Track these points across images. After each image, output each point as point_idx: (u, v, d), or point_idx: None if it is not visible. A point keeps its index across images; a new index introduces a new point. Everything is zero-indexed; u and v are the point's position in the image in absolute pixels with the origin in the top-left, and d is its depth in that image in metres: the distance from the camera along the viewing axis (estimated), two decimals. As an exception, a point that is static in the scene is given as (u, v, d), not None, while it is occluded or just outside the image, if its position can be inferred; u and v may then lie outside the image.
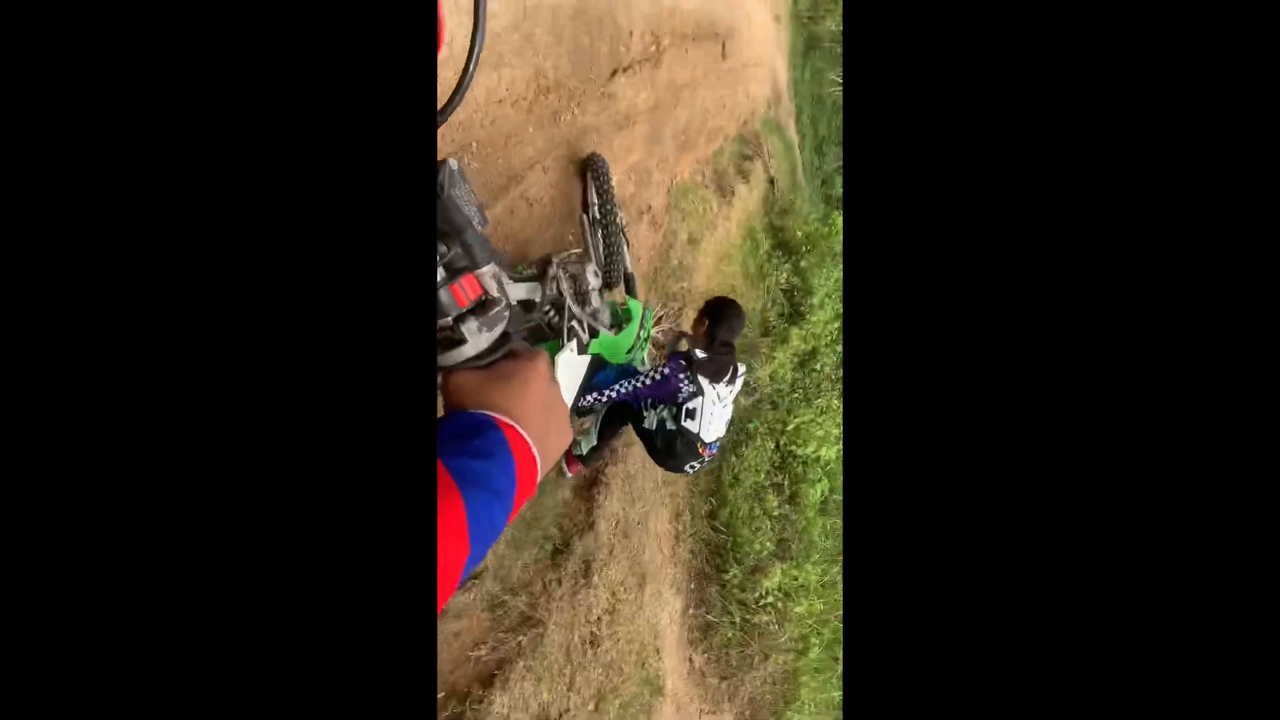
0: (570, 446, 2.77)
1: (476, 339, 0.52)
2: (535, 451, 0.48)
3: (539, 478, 0.50)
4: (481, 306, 0.53)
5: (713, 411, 2.28)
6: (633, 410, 2.45)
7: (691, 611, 3.64)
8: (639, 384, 2.22)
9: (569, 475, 2.80)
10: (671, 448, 2.34)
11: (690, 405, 2.27)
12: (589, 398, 2.27)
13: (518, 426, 0.48)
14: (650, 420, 2.38)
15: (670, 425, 2.33)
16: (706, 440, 2.32)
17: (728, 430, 2.47)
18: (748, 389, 4.45)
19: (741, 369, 2.37)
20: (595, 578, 2.78)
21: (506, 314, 0.54)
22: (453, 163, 0.55)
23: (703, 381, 2.23)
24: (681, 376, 2.21)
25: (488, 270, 0.54)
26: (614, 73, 3.10)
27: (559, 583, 2.64)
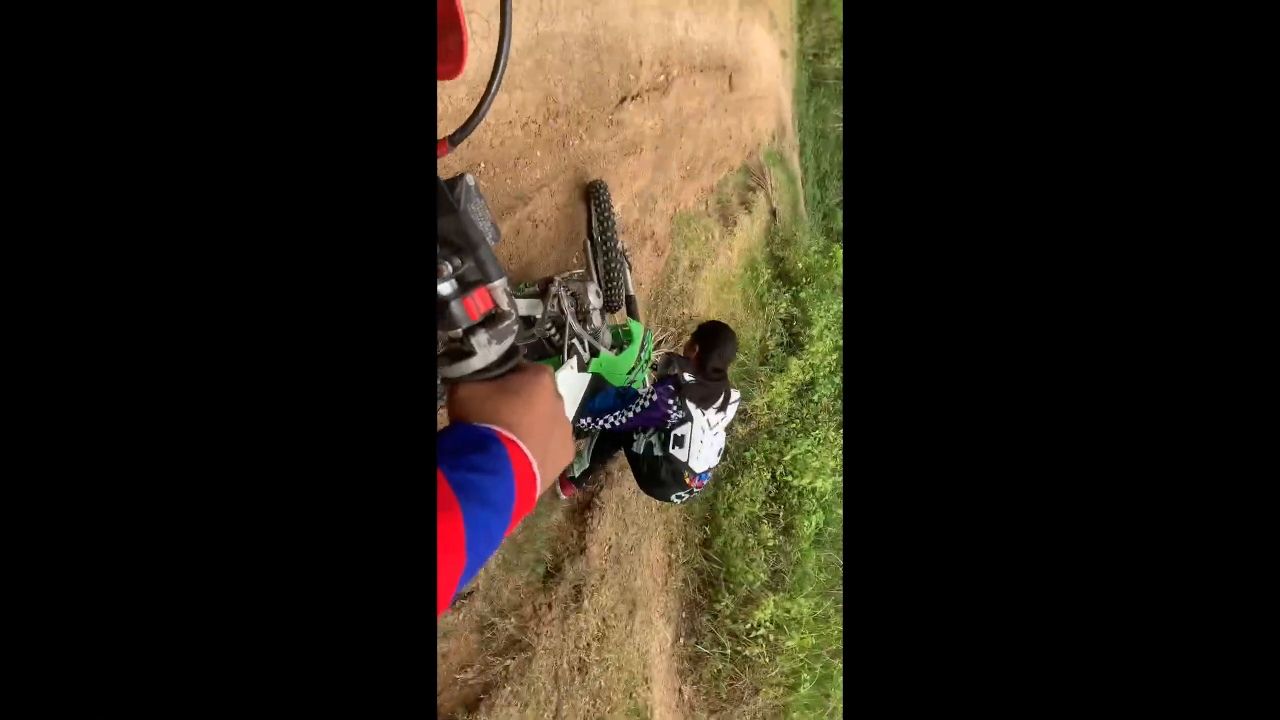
0: (564, 468, 2.76)
1: (485, 351, 0.52)
2: (536, 468, 0.48)
3: (539, 494, 0.50)
4: (492, 320, 0.53)
5: (702, 439, 2.23)
6: (620, 436, 2.42)
7: (682, 641, 3.58)
8: (629, 415, 2.17)
9: (563, 497, 2.78)
10: (656, 475, 2.28)
11: (679, 432, 2.22)
12: (585, 421, 2.25)
13: (520, 441, 0.48)
14: (639, 444, 2.33)
15: (657, 451, 2.27)
16: (696, 470, 2.26)
17: (721, 459, 2.41)
18: (744, 417, 4.44)
19: (735, 395, 2.33)
20: (585, 603, 2.74)
21: (516, 328, 0.55)
22: (469, 178, 0.56)
23: (691, 407, 2.18)
24: (670, 403, 2.17)
25: (499, 284, 0.54)
26: (623, 100, 3.15)
27: (549, 607, 2.60)
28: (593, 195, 2.51)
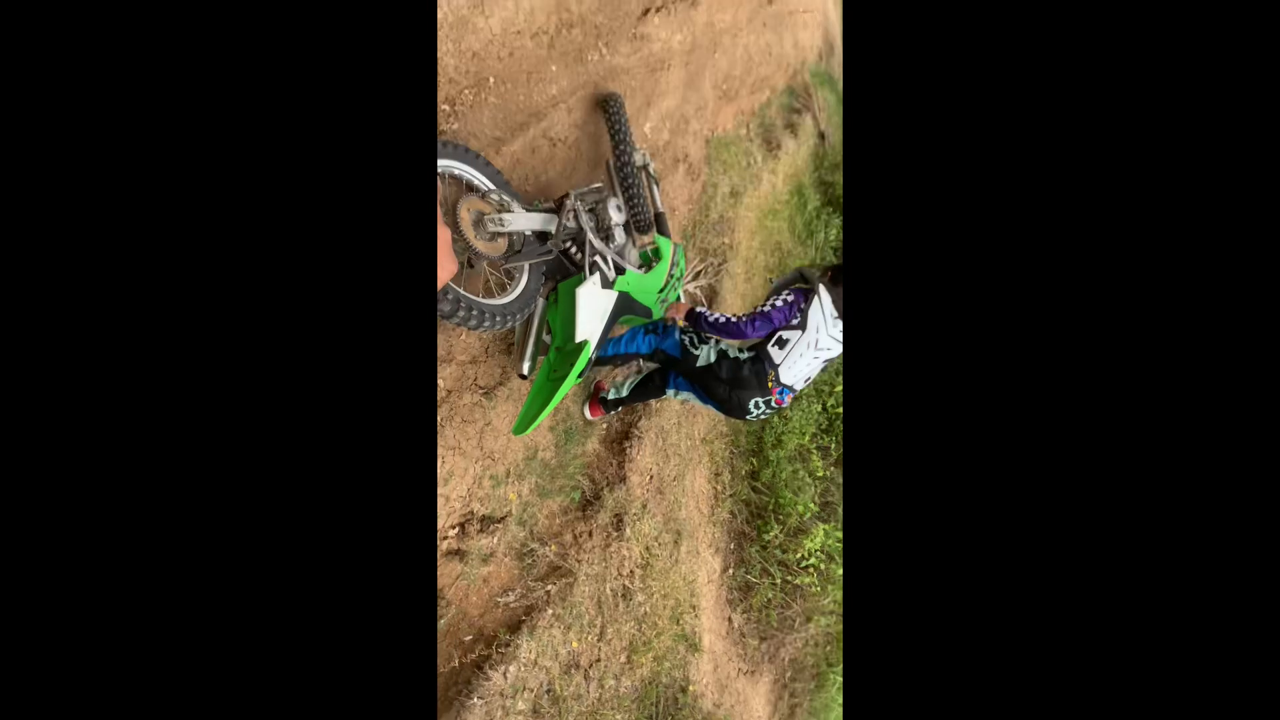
0: (596, 390, 2.72)
1: None
2: None
3: None
4: None
5: (802, 354, 2.13)
6: (678, 360, 2.32)
7: (730, 571, 3.57)
8: (770, 307, 2.13)
9: (589, 418, 2.75)
10: (738, 376, 2.17)
11: (785, 334, 2.14)
12: (643, 339, 2.17)
13: None
14: (705, 355, 2.24)
15: (734, 353, 2.20)
16: (784, 380, 2.16)
17: (806, 386, 2.30)
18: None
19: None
20: (628, 531, 2.74)
21: None
22: None
23: (814, 319, 2.10)
24: (800, 309, 2.11)
25: None
26: (646, 11, 2.96)
27: (589, 535, 2.61)
28: (605, 108, 2.39)
